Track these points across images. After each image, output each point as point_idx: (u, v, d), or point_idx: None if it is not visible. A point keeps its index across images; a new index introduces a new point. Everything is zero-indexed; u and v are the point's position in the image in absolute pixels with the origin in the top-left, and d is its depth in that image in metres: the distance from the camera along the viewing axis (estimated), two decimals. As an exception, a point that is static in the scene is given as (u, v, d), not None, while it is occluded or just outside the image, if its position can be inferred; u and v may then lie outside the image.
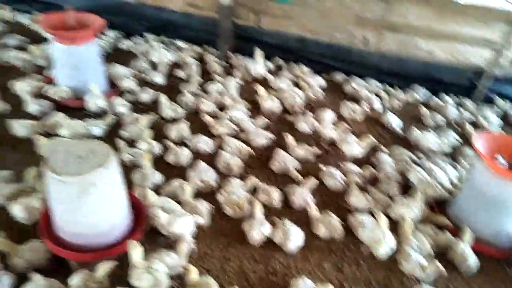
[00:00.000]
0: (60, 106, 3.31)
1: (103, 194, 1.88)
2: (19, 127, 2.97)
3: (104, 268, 1.91)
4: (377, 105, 3.85)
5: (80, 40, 3.17)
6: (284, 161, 2.91)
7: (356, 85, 4.11)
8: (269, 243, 2.35)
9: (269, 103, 3.59)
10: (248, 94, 3.90)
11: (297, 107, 3.67)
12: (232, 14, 4.32)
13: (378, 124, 3.67)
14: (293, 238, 2.28)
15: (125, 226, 2.12)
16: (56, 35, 3.12)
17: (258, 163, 3.04)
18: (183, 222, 2.22)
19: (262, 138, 3.19)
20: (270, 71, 4.28)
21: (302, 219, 2.52)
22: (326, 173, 2.87)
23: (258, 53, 4.16)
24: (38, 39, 4.33)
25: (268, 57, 4.39)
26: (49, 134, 2.99)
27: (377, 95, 4.03)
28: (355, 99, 3.94)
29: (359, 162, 3.07)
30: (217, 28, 4.48)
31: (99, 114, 3.28)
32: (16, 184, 2.48)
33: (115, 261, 1.97)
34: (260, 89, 3.67)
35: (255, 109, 3.62)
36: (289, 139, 3.14)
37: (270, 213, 2.54)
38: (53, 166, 1.80)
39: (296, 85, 4.05)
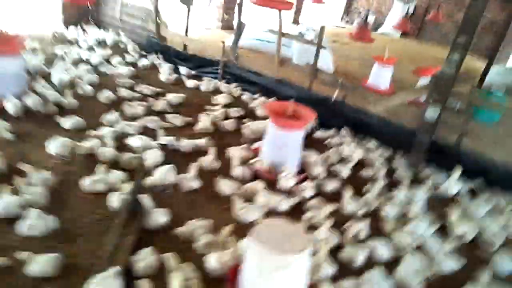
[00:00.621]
0: (257, 176, 3.76)
1: (293, 276, 2.02)
2: (224, 185, 3.49)
3: None
4: None
5: (292, 128, 3.63)
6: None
7: None
8: None
9: (461, 228, 3.29)
10: (435, 211, 3.71)
11: (493, 243, 3.24)
12: (432, 130, 4.26)
13: None
14: None
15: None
16: (274, 119, 3.65)
17: (440, 290, 2.76)
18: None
19: (448, 264, 2.91)
20: (462, 194, 3.97)
21: None
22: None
23: (458, 171, 3.93)
24: (252, 115, 5.15)
25: (465, 178, 4.13)
26: (245, 198, 3.40)
27: None
28: None
29: None
30: (412, 138, 4.48)
31: (287, 192, 3.59)
32: (212, 234, 2.87)
33: None
34: (453, 213, 3.42)
35: (442, 229, 3.38)
36: (484, 277, 2.76)
37: None
38: (259, 238, 2.04)
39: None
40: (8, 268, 2.31)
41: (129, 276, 2.37)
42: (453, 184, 3.94)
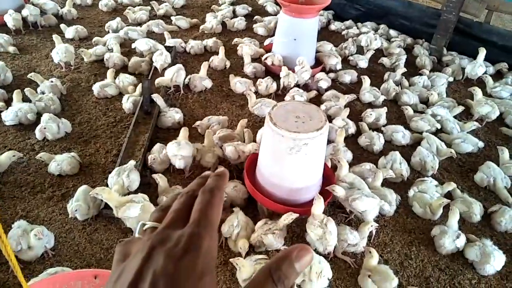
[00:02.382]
0: (270, 71, 3.60)
1: (309, 155, 1.98)
2: (237, 83, 3.37)
3: (288, 219, 2.02)
4: None
5: (305, 14, 3.36)
6: (494, 176, 2.52)
7: None
8: (458, 255, 2.12)
9: (485, 108, 3.15)
10: (457, 94, 3.57)
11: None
12: (460, 6, 3.88)
13: None
14: (495, 262, 1.97)
15: (316, 191, 2.19)
16: (286, 6, 3.37)
17: (459, 169, 2.73)
18: (369, 202, 2.14)
19: (469, 144, 2.83)
20: (490, 75, 3.74)
21: (505, 243, 2.18)
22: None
23: (482, 53, 3.65)
24: (263, 12, 4.82)
25: (489, 60, 3.85)
26: (257, 93, 3.30)
27: None
28: None
29: None
30: (436, 21, 4.13)
31: (303, 85, 3.46)
32: (228, 129, 2.83)
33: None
34: (478, 92, 3.25)
35: (463, 112, 3.25)
36: (505, 154, 2.70)
37: (465, 226, 2.28)
38: (274, 119, 1.97)
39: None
40: (30, 167, 2.38)
41: (145, 169, 2.42)
42: (478, 66, 3.68)
